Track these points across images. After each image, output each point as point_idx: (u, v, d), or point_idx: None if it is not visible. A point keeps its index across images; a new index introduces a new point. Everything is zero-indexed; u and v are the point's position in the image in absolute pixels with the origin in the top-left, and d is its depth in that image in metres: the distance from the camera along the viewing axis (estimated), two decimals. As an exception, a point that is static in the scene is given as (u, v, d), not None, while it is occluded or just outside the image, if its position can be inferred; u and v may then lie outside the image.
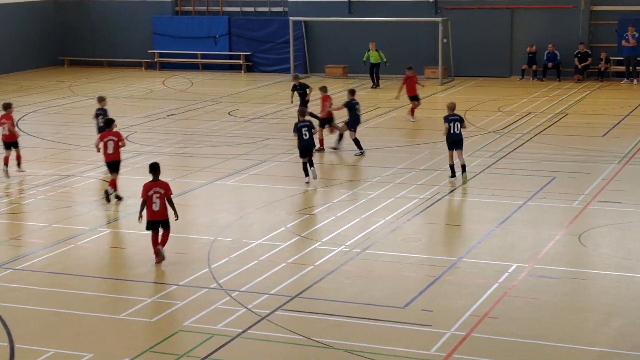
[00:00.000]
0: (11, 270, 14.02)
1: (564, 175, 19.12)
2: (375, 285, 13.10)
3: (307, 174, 18.99)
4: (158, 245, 14.26)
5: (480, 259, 14.10)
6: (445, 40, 33.74)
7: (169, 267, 14.31)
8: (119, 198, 17.88)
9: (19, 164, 20.21)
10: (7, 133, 20.09)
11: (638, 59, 32.75)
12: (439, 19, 33.89)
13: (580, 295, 12.80)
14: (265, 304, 12.34)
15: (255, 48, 37.96)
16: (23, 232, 16.04)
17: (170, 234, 14.45)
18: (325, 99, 22.46)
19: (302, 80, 25.55)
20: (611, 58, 33.36)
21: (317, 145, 21.23)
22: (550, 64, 33.45)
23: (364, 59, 33.35)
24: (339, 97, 31.10)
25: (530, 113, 26.90)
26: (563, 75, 33.56)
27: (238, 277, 13.43)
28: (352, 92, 22.39)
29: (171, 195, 14.37)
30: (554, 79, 33.61)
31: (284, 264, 14.00)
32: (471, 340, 11.13)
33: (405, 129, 25.24)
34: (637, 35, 32.40)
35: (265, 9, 38.30)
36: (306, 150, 19.11)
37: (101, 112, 21.19)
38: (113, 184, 17.82)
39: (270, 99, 30.53)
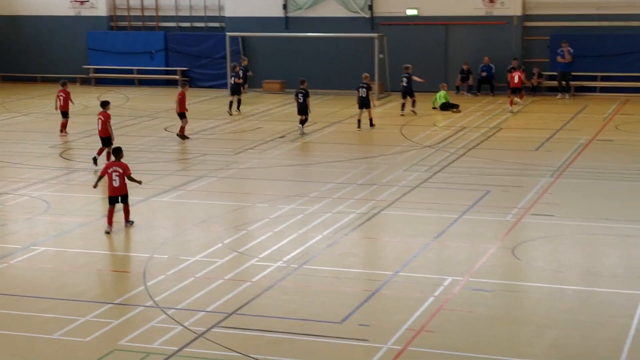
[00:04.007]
0: (-59, 290, 13.71)
1: (498, 189, 19.40)
2: (313, 301, 13.13)
3: (301, 125, 26.29)
4: (126, 224, 16.80)
5: (417, 272, 14.22)
6: (381, 56, 34.06)
7: (103, 286, 14.16)
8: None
9: (63, 127, 26.86)
10: (62, 104, 26.77)
11: (572, 74, 33.45)
12: (375, 35, 34.23)
13: (515, 307, 12.98)
14: (202, 322, 12.27)
15: (192, 63, 37.85)
16: (-46, 252, 15.70)
17: (104, 252, 14.39)
18: (182, 94, 26.09)
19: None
20: (543, 73, 34.03)
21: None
22: (484, 74, 34.03)
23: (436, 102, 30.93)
24: (277, 110, 31.17)
25: (465, 128, 27.26)
26: (497, 90, 34.12)
27: (174, 295, 13.34)
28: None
29: (130, 174, 16.73)
30: (488, 94, 34.15)
31: (221, 281, 13.94)
32: (408, 354, 11.21)
33: (342, 144, 25.37)
34: (572, 51, 33.08)
35: (202, 24, 38.24)
36: (300, 110, 26.36)
37: (243, 69, 32.06)
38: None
39: (207, 115, 30.43)
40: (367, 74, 28.45)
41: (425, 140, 25.25)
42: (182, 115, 25.76)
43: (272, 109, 31.98)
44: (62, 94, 26.90)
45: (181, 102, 25.81)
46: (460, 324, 12.12)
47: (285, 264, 14.65)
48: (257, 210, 18.22)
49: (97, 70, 39.05)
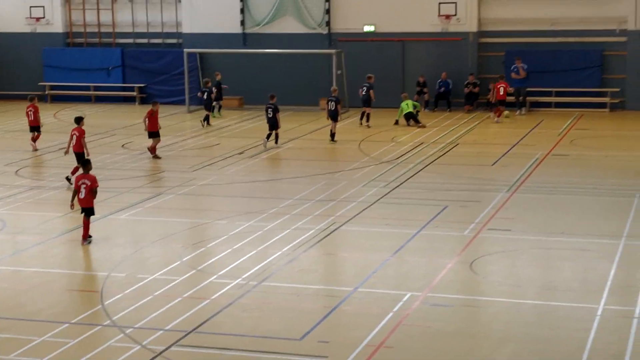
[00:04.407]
0: None
1: (455, 204, 19.54)
2: (272, 318, 13.10)
3: (267, 139, 26.68)
4: (82, 242, 16.69)
5: (376, 288, 14.26)
6: (339, 72, 34.20)
7: (60, 305, 14.00)
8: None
9: (34, 140, 26.87)
10: (32, 119, 26.77)
11: (528, 89, 33.84)
12: (333, 51, 34.38)
13: (473, 322, 13.06)
14: (160, 340, 12.18)
15: (150, 79, 37.71)
16: None
17: (61, 271, 14.24)
18: (151, 112, 25.39)
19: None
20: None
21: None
22: (442, 89, 34.33)
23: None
24: (236, 126, 31.17)
25: (422, 143, 27.44)
26: (453, 105, 34.41)
27: (132, 313, 13.23)
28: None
29: (96, 188, 16.90)
30: (445, 109, 34.43)
31: (179, 299, 13.86)
32: (367, 370, 11.23)
33: (301, 160, 25.41)
34: (525, 67, 33.47)
35: (159, 40, 38.13)
36: (269, 125, 26.77)
37: (206, 90, 31.81)
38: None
39: (165, 131, 30.20)
40: (335, 87, 29.24)
41: (384, 156, 25.37)
42: (155, 134, 25.41)
43: (230, 124, 31.95)
44: (31, 108, 26.90)
45: (151, 120, 25.34)
46: (420, 339, 12.18)
47: (244, 281, 14.60)
48: (216, 227, 18.17)
49: (53, 87, 38.74)
